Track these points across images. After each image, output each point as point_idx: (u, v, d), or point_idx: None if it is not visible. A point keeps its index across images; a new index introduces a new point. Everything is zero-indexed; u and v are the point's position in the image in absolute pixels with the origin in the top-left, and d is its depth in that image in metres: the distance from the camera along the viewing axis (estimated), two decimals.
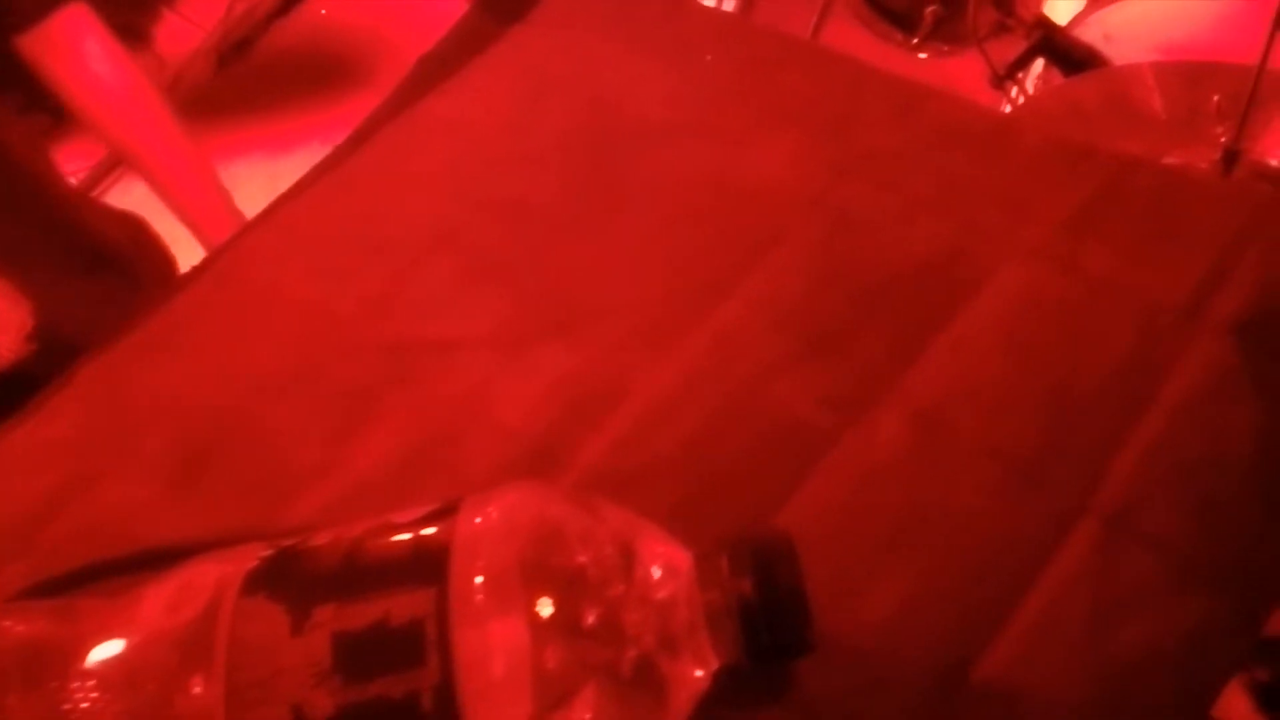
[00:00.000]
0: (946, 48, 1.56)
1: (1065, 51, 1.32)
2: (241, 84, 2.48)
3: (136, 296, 1.01)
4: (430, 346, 0.61)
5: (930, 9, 1.54)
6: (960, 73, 1.46)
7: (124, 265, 1.06)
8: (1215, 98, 0.97)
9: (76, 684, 0.41)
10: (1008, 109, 1.38)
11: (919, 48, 1.60)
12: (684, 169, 0.67)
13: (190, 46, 2.68)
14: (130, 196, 1.13)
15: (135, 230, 1.15)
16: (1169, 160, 1.00)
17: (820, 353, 0.58)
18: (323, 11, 2.60)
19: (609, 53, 0.74)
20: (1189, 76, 1.09)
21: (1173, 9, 1.40)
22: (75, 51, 1.02)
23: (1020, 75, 1.40)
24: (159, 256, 1.17)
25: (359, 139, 0.73)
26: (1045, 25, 1.32)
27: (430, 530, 0.42)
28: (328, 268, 0.66)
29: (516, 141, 0.71)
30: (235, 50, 2.61)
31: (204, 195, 1.10)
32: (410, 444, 0.57)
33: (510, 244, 0.65)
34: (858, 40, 1.59)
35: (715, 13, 1.24)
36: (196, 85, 2.48)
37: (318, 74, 2.37)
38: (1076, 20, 1.42)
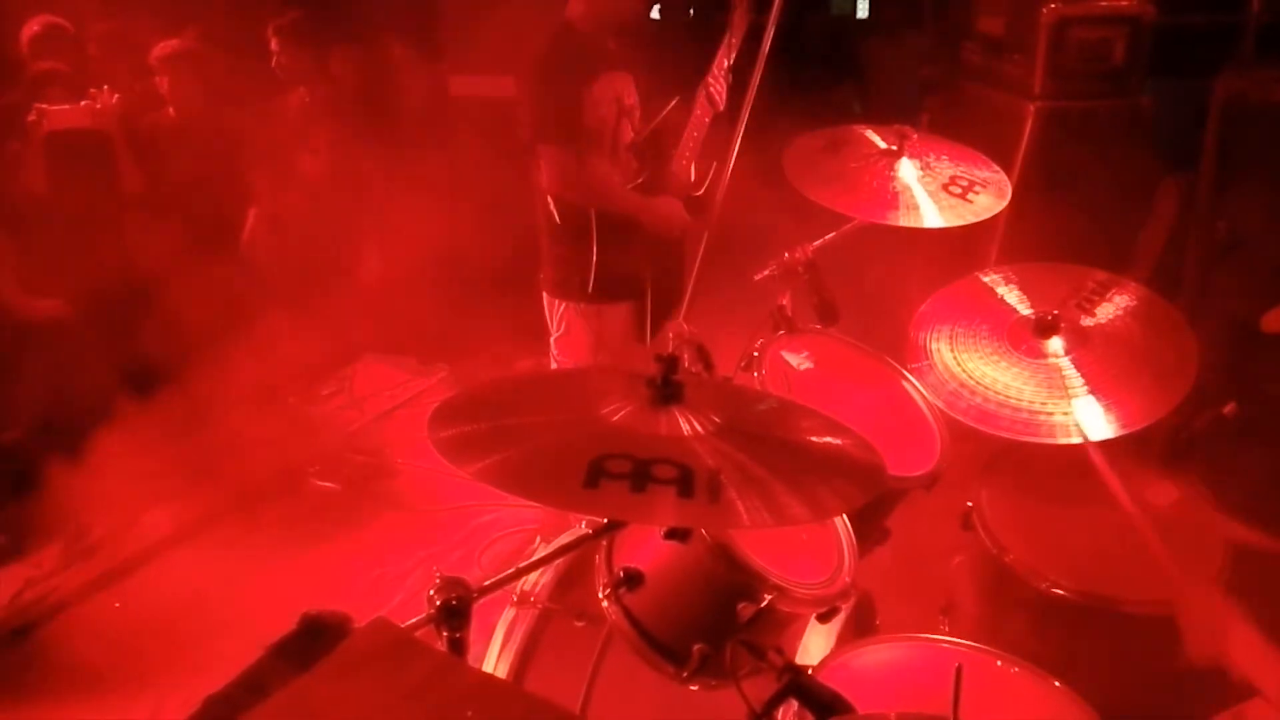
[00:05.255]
0: (714, 682, 1.66)
1: (812, 695, 1.45)
2: (10, 675, 2.35)
3: None
4: None
5: (697, 646, 1.66)
6: (729, 704, 1.57)
7: None
8: None
9: None
10: None
11: (689, 680, 1.69)
12: None
13: None
14: None
15: None
16: None
17: None
18: (116, 605, 2.58)
19: (382, 706, 0.81)
20: None
21: (907, 656, 1.61)
22: None
23: (777, 714, 1.51)
24: None
25: None
26: (792, 670, 1.46)
27: None
28: None
29: None
30: (12, 636, 2.51)
31: None
32: None
33: None
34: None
35: (480, 674, 1.34)
36: None
37: (95, 672, 2.28)
38: (825, 661, 1.59)
